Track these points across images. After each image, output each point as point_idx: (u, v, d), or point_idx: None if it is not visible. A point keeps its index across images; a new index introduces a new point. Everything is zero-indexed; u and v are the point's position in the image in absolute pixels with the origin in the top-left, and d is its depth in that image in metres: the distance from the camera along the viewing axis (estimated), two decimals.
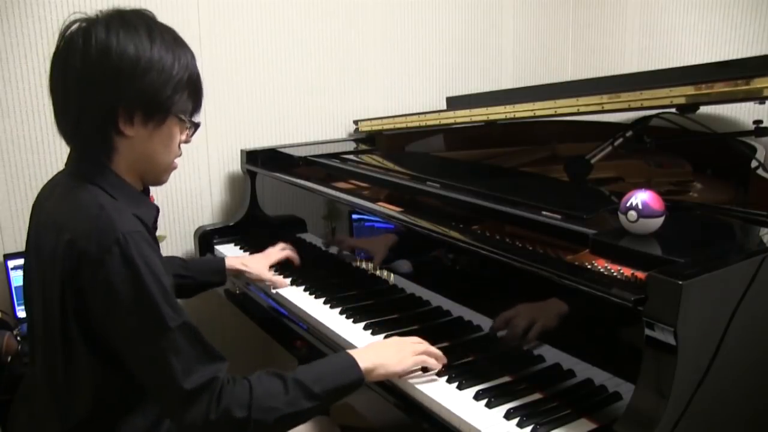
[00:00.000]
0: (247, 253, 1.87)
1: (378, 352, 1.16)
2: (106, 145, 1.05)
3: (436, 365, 1.17)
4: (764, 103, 1.27)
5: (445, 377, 1.14)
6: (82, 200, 1.02)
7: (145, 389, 1.04)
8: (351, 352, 1.14)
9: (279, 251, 1.73)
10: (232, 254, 1.87)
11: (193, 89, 1.09)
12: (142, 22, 1.04)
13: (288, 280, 1.65)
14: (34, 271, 1.09)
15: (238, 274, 1.67)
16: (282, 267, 1.73)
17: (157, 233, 1.81)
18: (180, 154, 1.14)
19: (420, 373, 1.17)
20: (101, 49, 0.99)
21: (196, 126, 1.14)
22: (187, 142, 1.14)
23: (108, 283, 0.95)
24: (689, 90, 1.29)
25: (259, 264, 1.67)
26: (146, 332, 0.96)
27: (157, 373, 0.98)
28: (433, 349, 1.19)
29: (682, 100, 1.31)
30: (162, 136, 1.07)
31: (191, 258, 2.00)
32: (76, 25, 1.02)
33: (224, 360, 1.02)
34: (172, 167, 1.14)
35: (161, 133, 1.07)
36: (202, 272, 1.61)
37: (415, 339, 1.21)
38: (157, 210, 1.15)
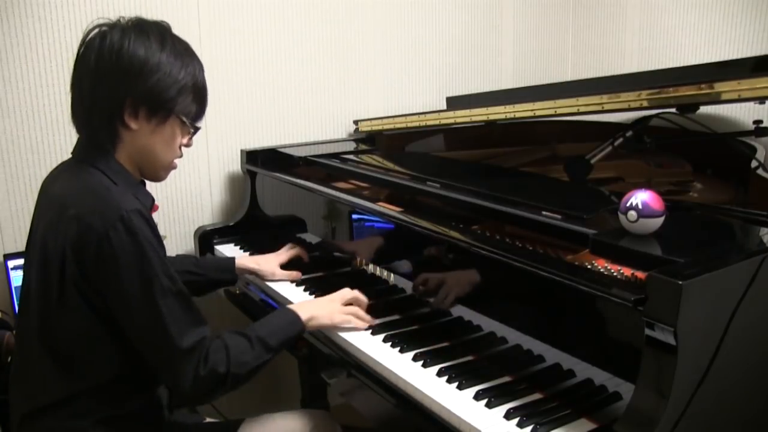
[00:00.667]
0: (248, 253, 1.87)
1: (313, 306, 1.35)
2: (111, 135, 1.15)
3: (362, 325, 1.35)
4: (764, 103, 1.27)
5: (445, 377, 1.14)
6: (86, 181, 1.13)
7: (141, 352, 1.13)
8: (291, 307, 1.32)
9: (288, 250, 1.73)
10: (231, 254, 1.87)
11: (197, 95, 1.20)
12: (156, 30, 1.15)
13: (299, 274, 1.67)
14: (34, 247, 1.16)
15: (251, 273, 1.69)
16: (291, 266, 1.71)
17: None
18: (180, 156, 1.23)
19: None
20: (114, 50, 1.10)
21: (195, 130, 1.22)
22: (188, 145, 1.23)
23: (113, 256, 1.05)
24: (689, 90, 1.29)
25: (271, 263, 1.68)
26: (147, 299, 1.07)
27: (155, 336, 1.09)
28: (362, 312, 1.37)
29: (682, 100, 1.31)
30: (163, 134, 1.17)
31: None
32: (96, 30, 1.14)
33: (207, 323, 1.15)
34: (171, 166, 1.23)
35: (163, 131, 1.17)
36: (213, 270, 1.65)
37: (348, 297, 1.38)
38: (152, 200, 1.24)
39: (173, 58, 1.14)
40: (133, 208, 1.07)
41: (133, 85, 1.11)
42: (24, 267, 1.23)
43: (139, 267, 1.06)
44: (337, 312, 1.34)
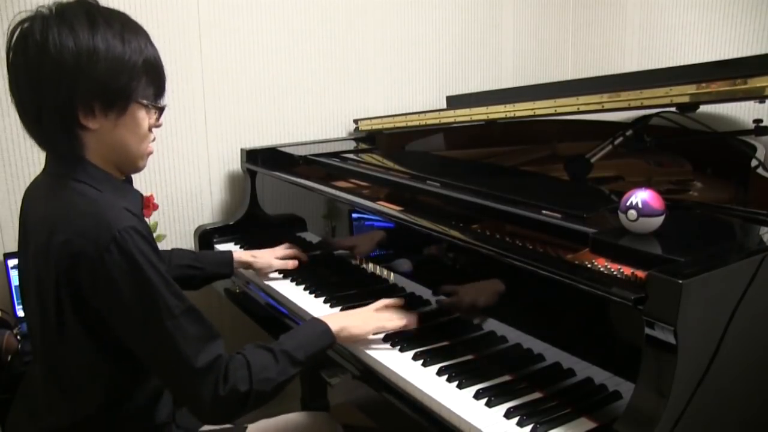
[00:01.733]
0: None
1: (344, 317, 1.29)
2: (73, 142, 1.04)
3: (396, 327, 1.28)
4: (764, 102, 1.27)
5: (445, 376, 1.15)
6: (70, 199, 1.02)
7: (155, 375, 1.08)
8: (321, 317, 1.24)
9: (285, 248, 1.73)
10: None
11: (152, 73, 1.07)
12: (81, 12, 1.01)
13: (296, 262, 1.68)
14: (27, 271, 1.10)
15: (247, 266, 1.68)
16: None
17: (157, 233, 1.82)
18: (153, 139, 1.13)
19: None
20: (39, 48, 0.98)
21: (161, 109, 1.12)
22: (157, 126, 1.13)
23: (110, 280, 0.97)
24: (689, 89, 1.29)
25: (267, 255, 1.68)
26: (153, 323, 0.99)
27: (168, 359, 1.01)
28: (396, 314, 1.30)
29: (682, 99, 1.31)
30: (127, 124, 1.06)
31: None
32: (18, 29, 1.02)
33: (221, 336, 1.07)
34: (146, 152, 1.12)
35: (125, 121, 1.05)
36: (211, 264, 1.63)
37: (379, 305, 1.32)
38: (141, 196, 1.16)
39: (111, 38, 1.00)
40: (126, 225, 0.98)
41: (74, 83, 0.98)
42: (20, 286, 1.17)
43: (140, 290, 0.98)
44: (371, 319, 1.28)
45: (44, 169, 1.13)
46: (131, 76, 1.03)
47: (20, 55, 1.00)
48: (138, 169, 1.14)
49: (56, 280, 1.00)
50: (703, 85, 1.27)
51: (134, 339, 1.03)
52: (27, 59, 0.99)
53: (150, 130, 1.11)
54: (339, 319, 1.25)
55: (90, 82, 0.99)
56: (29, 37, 0.99)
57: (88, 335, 1.04)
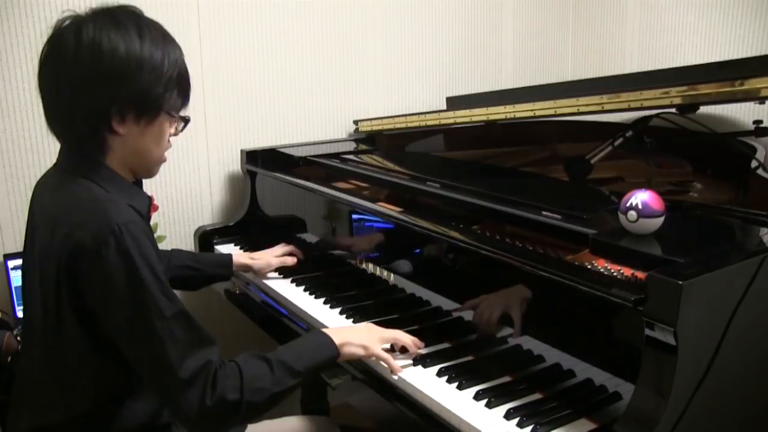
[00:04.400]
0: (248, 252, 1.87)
1: (349, 332, 1.22)
2: (98, 143, 1.06)
3: (398, 366, 1.18)
4: (764, 103, 1.27)
5: (445, 377, 1.14)
6: (75, 194, 1.04)
7: (142, 377, 1.06)
8: (325, 330, 1.20)
9: (282, 246, 1.74)
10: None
11: (182, 86, 1.10)
12: (131, 19, 1.04)
13: (294, 259, 1.69)
14: (32, 265, 1.10)
15: (246, 268, 1.69)
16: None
17: (157, 234, 1.82)
18: (170, 147, 1.16)
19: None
20: (92, 50, 0.99)
21: (186, 121, 1.15)
22: (175, 135, 1.15)
23: (104, 274, 0.97)
24: (689, 90, 1.29)
25: (265, 255, 1.69)
26: (142, 322, 0.98)
27: (153, 361, 1.00)
28: (404, 338, 1.23)
29: (681, 100, 1.31)
30: (153, 133, 1.09)
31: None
32: (66, 24, 1.03)
33: (215, 343, 1.04)
34: (162, 160, 1.15)
35: (152, 129, 1.08)
36: (210, 265, 1.64)
37: (390, 336, 1.23)
38: (150, 198, 1.17)
39: (155, 49, 1.03)
40: (126, 221, 0.98)
41: (117, 90, 1.01)
42: (23, 284, 1.17)
43: (132, 287, 0.97)
44: (375, 341, 1.21)
45: (55, 165, 1.14)
46: (166, 87, 1.06)
47: (68, 53, 1.00)
48: (151, 175, 1.16)
49: (57, 273, 1.01)
50: (703, 86, 1.27)
51: (122, 337, 1.01)
52: (76, 58, 1.00)
53: (168, 139, 1.14)
54: (343, 335, 1.20)
55: (131, 89, 1.02)
56: (82, 37, 1.00)
57: (82, 328, 1.03)
